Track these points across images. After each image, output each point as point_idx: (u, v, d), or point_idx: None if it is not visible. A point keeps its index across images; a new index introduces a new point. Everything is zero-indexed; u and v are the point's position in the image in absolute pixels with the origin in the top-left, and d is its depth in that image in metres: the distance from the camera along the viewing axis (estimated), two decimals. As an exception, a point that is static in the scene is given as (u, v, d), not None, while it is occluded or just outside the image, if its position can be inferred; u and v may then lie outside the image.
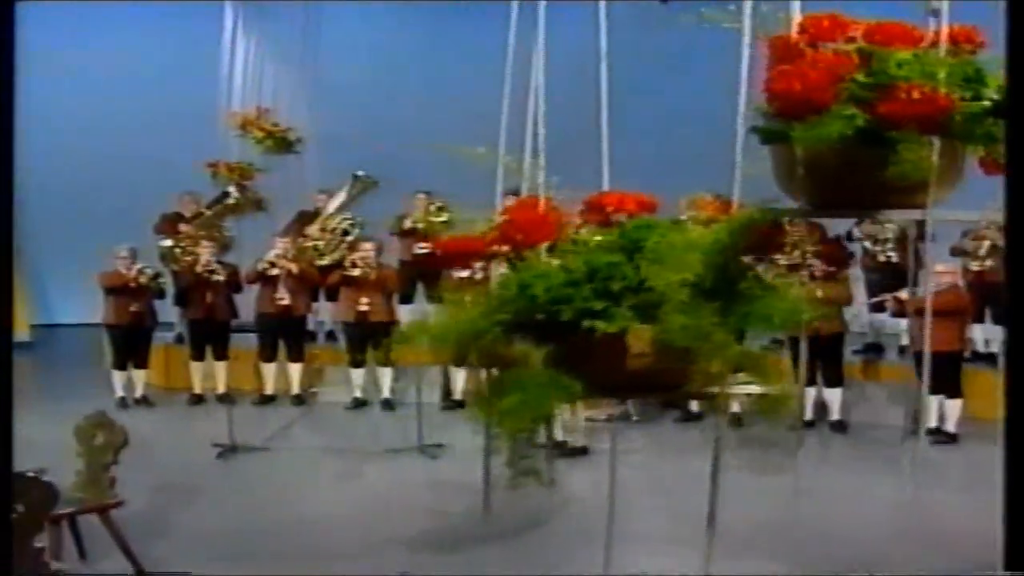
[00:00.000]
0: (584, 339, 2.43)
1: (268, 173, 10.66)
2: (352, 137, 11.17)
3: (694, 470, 8.14)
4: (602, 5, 3.00)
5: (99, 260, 9.67)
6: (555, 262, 2.56)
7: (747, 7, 2.84)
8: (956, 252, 8.92)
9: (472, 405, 2.59)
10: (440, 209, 10.47)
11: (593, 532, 6.20)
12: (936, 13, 2.50)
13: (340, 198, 10.39)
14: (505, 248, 2.72)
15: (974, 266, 8.68)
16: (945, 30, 2.44)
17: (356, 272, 9.32)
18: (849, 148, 2.31)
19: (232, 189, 9.91)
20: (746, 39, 2.83)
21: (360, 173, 10.34)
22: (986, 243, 8.45)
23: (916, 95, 2.14)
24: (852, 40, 2.47)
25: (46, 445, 6.22)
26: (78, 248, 10.78)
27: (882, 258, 9.09)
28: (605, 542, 3.55)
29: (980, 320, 8.80)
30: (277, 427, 8.83)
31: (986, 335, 9.10)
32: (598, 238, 2.63)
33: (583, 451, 8.02)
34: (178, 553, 5.92)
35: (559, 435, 8.18)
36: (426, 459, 7.92)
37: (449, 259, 3.15)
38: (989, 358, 9.00)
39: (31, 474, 4.61)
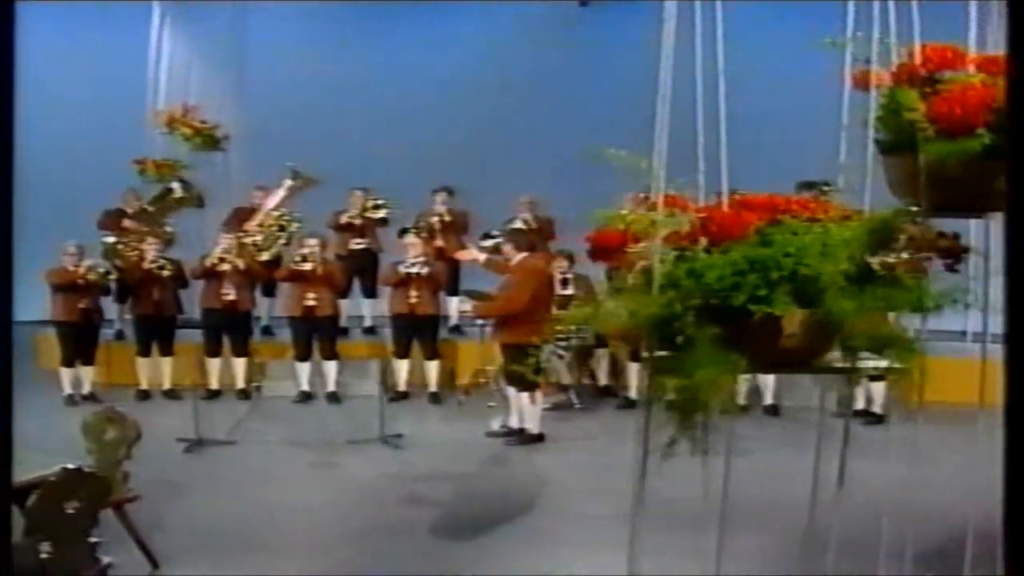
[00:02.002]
0: (745, 322, 2.82)
1: (194, 170, 10.69)
2: (277, 135, 11.21)
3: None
4: (718, 5, 3.27)
5: (26, 259, 9.45)
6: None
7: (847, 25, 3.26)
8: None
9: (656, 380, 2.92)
10: (377, 206, 10.69)
11: (567, 514, 6.61)
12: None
13: (279, 194, 10.44)
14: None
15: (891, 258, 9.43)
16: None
17: (307, 267, 9.45)
18: (974, 161, 2.77)
19: (175, 185, 9.91)
20: (848, 62, 3.24)
21: (299, 169, 10.42)
22: (903, 236, 9.21)
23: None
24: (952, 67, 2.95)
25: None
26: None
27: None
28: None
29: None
30: (231, 421, 8.85)
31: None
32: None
33: (540, 438, 8.41)
34: (172, 547, 5.99)
35: (515, 423, 8.57)
36: (390, 449, 8.13)
37: (599, 252, 3.45)
38: (903, 343, 9.81)
39: (87, 469, 4.68)
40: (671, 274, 2.88)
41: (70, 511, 4.52)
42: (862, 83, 3.23)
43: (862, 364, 2.95)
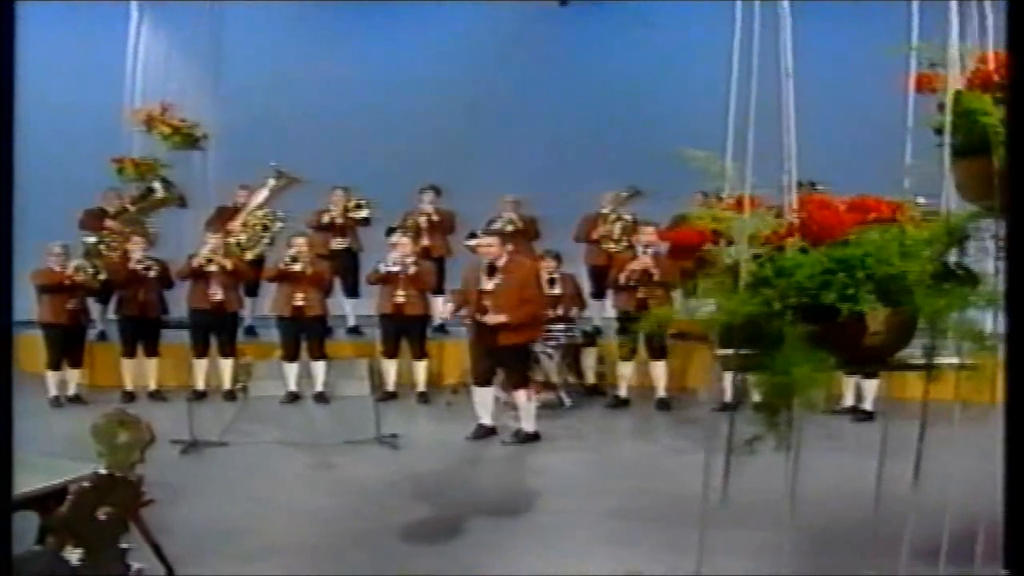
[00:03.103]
0: (833, 319, 2.88)
1: (171, 169, 10.58)
2: (255, 134, 11.12)
3: (643, 451, 8.71)
4: (785, 5, 3.28)
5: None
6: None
7: (903, 37, 3.32)
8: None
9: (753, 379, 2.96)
10: (359, 205, 10.64)
11: (566, 512, 6.63)
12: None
13: (263, 194, 10.34)
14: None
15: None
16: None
17: (297, 267, 9.38)
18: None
19: (157, 184, 9.79)
20: (910, 69, 3.30)
21: (282, 168, 10.33)
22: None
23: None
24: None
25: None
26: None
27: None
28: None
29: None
30: (220, 422, 8.70)
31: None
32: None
33: (536, 437, 8.42)
34: (181, 551, 5.90)
35: (488, 420, 8.54)
36: (388, 449, 8.08)
37: (677, 251, 3.47)
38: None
39: (119, 474, 4.59)
40: (757, 273, 2.93)
41: (102, 517, 4.44)
42: (926, 86, 3.31)
43: (939, 361, 3.02)
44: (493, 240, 8.44)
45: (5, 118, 3.33)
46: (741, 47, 3.44)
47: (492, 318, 8.04)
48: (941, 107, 3.37)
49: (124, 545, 4.58)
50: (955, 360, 3.05)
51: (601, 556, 5.77)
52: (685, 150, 3.17)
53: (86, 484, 4.41)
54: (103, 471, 4.50)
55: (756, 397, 3.17)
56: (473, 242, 10.36)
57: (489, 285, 8.13)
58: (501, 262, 8.29)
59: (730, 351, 3.02)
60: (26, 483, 4.66)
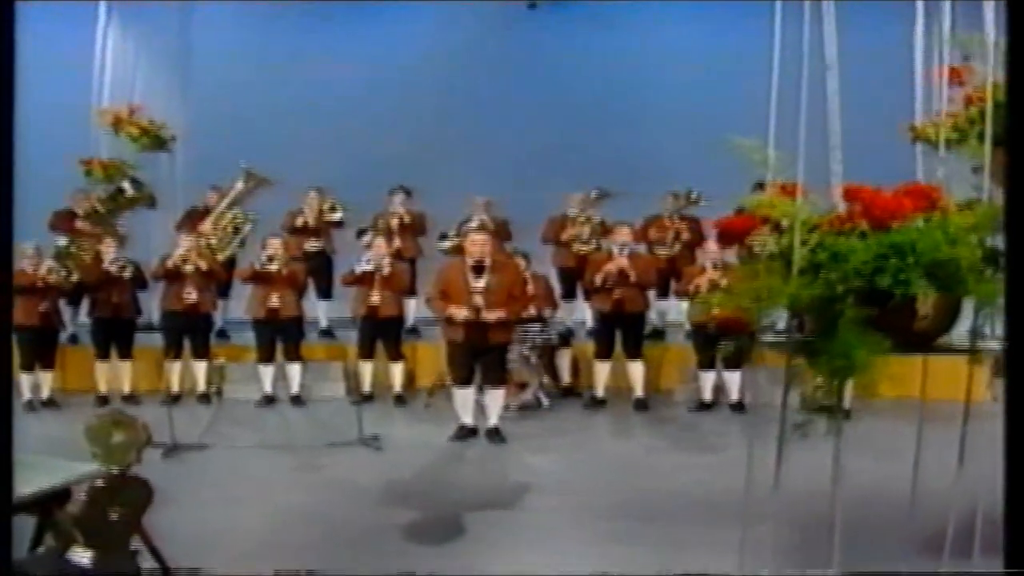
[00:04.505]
0: (885, 304, 2.93)
1: (139, 170, 10.42)
2: (223, 135, 10.98)
3: (625, 450, 8.75)
4: (829, 5, 3.33)
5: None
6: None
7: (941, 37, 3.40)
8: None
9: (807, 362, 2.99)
10: (333, 207, 10.56)
11: (560, 510, 6.65)
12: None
13: (232, 195, 10.21)
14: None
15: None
16: None
17: (272, 268, 9.26)
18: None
19: (127, 185, 9.63)
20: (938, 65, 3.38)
21: (252, 170, 10.21)
22: None
23: None
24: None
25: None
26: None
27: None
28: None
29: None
30: (197, 426, 8.58)
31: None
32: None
33: (498, 432, 8.44)
34: (175, 554, 5.80)
35: (471, 421, 8.54)
36: (371, 451, 8.02)
37: (727, 236, 3.50)
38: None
39: (131, 474, 4.49)
40: (811, 259, 2.97)
41: (115, 517, 4.35)
42: (955, 79, 3.39)
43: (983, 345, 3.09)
44: (486, 238, 8.44)
45: (4, 119, 3.26)
46: (765, 43, 3.48)
47: (491, 314, 8.02)
48: (969, 99, 3.46)
49: (134, 546, 4.50)
50: (996, 345, 3.12)
51: (596, 554, 5.79)
52: (732, 139, 3.20)
53: (99, 483, 4.33)
54: (115, 470, 4.41)
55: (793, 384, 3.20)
56: (447, 244, 10.37)
57: (479, 284, 8.12)
58: (488, 261, 8.28)
59: (783, 336, 3.05)
60: (24, 484, 4.55)
